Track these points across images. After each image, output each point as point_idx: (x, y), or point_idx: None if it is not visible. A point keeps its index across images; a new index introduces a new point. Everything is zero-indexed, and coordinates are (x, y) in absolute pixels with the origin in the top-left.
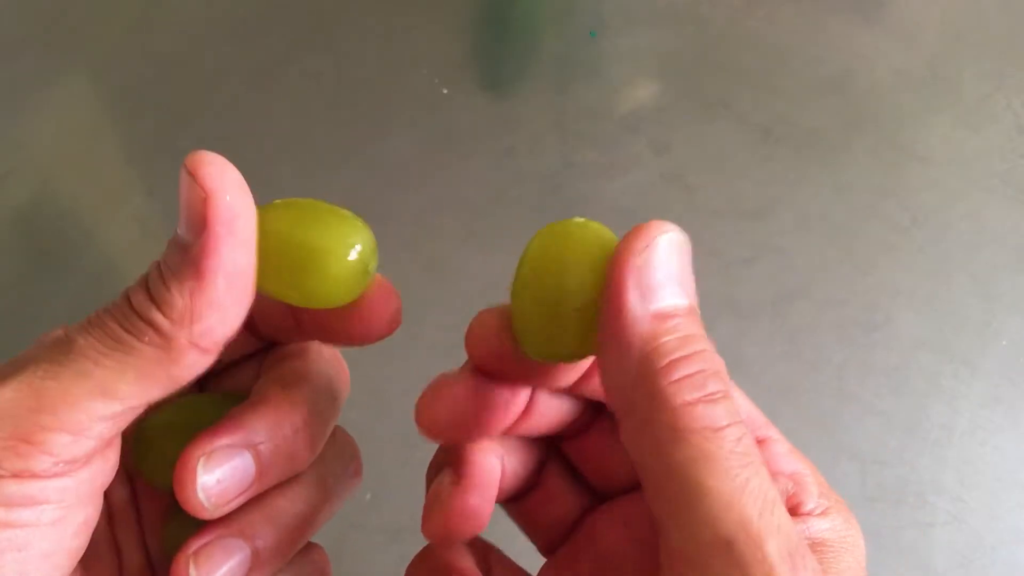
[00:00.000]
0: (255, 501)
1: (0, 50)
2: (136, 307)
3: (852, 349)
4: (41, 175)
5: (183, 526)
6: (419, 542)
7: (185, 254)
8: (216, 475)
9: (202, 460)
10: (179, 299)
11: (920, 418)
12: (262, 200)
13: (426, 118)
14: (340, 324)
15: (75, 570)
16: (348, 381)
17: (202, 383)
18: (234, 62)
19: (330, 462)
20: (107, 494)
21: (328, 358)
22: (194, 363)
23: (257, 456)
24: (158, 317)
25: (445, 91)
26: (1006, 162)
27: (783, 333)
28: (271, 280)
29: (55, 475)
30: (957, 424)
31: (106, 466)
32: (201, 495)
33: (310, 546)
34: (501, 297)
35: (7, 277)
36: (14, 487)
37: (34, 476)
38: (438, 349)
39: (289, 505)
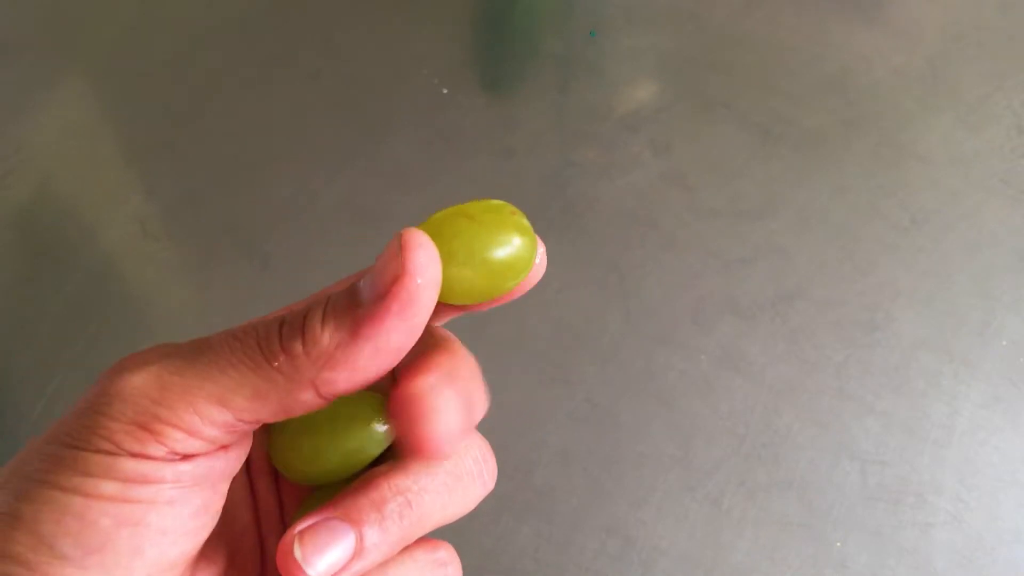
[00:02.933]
0: (362, 486)
1: (0, 50)
2: (283, 333)
3: (852, 349)
4: (41, 175)
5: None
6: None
7: (353, 309)
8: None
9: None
10: (325, 341)
11: (920, 418)
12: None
13: (426, 118)
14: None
15: (222, 560)
16: (482, 400)
17: None
18: (234, 62)
19: (451, 460)
20: (253, 487)
21: (465, 376)
22: (305, 403)
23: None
24: (297, 347)
25: (445, 91)
26: (1006, 162)
27: (783, 333)
28: (444, 293)
29: (171, 461)
30: (957, 424)
31: (228, 459)
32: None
33: (435, 543)
34: None
35: (7, 277)
36: (131, 464)
37: (150, 459)
38: None
39: (393, 494)
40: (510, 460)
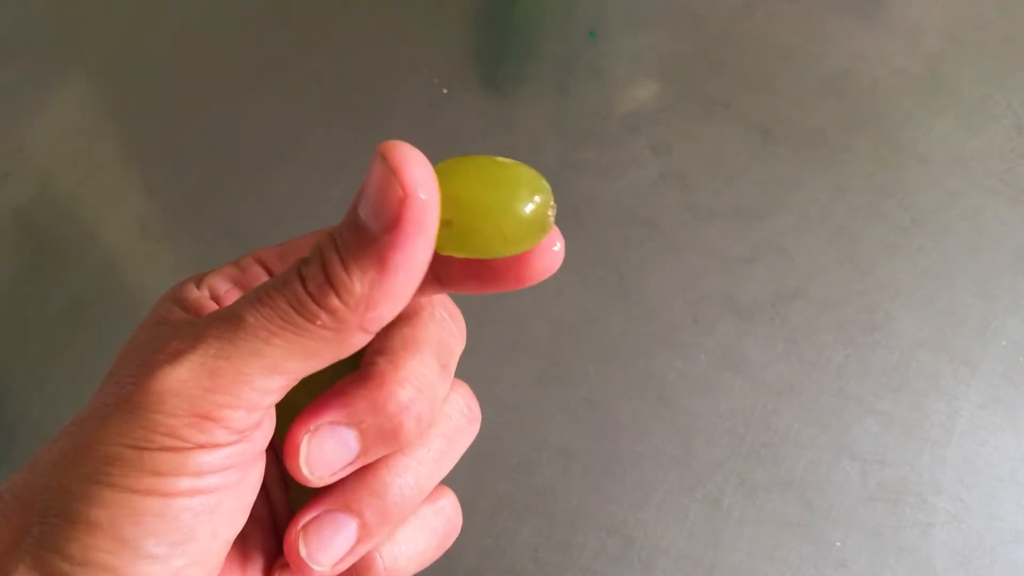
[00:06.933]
0: (361, 474)
1: (0, 51)
2: (312, 291)
3: (852, 349)
4: (41, 175)
5: (303, 490)
6: None
7: (369, 244)
8: (319, 451)
9: (307, 437)
10: (359, 287)
11: (920, 418)
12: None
13: (426, 118)
14: (495, 269)
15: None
16: (463, 336)
17: None
18: (234, 62)
19: (441, 423)
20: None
21: (440, 319)
22: (358, 343)
23: (361, 434)
24: (335, 302)
25: (445, 91)
26: (1006, 162)
27: (783, 333)
28: (448, 243)
29: (236, 442)
30: (957, 424)
31: (272, 423)
32: (305, 469)
33: (434, 494)
34: (499, 296)
35: (7, 277)
36: (203, 457)
37: (217, 446)
38: None
39: (394, 478)
40: (510, 460)
